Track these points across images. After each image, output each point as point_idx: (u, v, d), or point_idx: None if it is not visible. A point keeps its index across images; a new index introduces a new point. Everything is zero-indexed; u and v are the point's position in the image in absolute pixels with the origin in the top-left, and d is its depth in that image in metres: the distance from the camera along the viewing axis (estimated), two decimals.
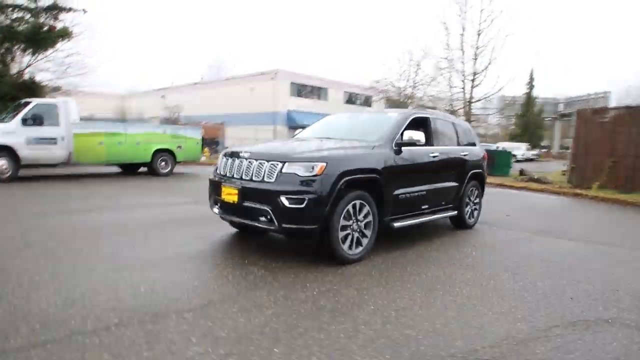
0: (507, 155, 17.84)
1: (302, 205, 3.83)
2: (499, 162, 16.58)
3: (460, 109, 20.49)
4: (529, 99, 51.32)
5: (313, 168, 3.90)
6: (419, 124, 5.39)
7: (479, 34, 19.28)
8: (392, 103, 35.67)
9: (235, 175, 4.32)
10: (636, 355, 2.64)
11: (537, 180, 14.87)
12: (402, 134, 4.90)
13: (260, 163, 4.12)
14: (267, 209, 3.93)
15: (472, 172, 6.26)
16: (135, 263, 3.94)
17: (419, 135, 4.88)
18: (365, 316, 3.00)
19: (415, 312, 3.12)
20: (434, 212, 5.57)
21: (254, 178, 4.12)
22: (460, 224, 6.23)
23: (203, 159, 14.36)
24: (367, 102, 38.99)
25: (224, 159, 4.63)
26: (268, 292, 3.36)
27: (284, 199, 3.85)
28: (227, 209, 4.39)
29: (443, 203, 5.77)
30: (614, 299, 3.58)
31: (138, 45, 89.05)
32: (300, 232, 3.94)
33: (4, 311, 2.79)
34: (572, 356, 2.56)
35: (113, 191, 9.05)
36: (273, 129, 32.17)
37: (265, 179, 4.03)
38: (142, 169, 13.21)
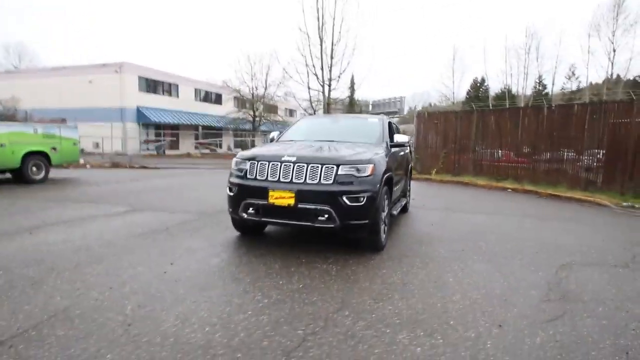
0: None
1: (361, 203, 4.05)
2: None
3: (320, 109, 22.15)
4: (352, 101, 58.25)
5: (365, 169, 4.15)
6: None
7: (333, 46, 21.17)
8: (243, 102, 35.67)
9: (282, 179, 4.17)
10: None
11: None
12: (391, 136, 5.49)
13: (313, 167, 4.11)
14: (328, 209, 4.00)
15: (409, 165, 7.32)
16: (206, 279, 3.48)
17: (403, 138, 5.56)
18: (458, 287, 3.52)
19: (484, 278, 3.78)
20: (398, 200, 6.37)
21: (308, 181, 4.10)
22: (403, 208, 7.21)
23: (82, 161, 11.89)
24: (218, 100, 37.82)
25: (254, 163, 4.36)
26: (369, 282, 3.54)
27: (345, 199, 4.00)
28: (274, 213, 4.19)
29: (400, 192, 6.62)
30: (567, 251, 4.88)
31: None
32: (355, 227, 4.14)
33: (161, 344, 2.28)
34: (620, 282, 3.69)
35: (12, 206, 6.89)
36: (122, 126, 28.23)
37: (322, 181, 4.06)
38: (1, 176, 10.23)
